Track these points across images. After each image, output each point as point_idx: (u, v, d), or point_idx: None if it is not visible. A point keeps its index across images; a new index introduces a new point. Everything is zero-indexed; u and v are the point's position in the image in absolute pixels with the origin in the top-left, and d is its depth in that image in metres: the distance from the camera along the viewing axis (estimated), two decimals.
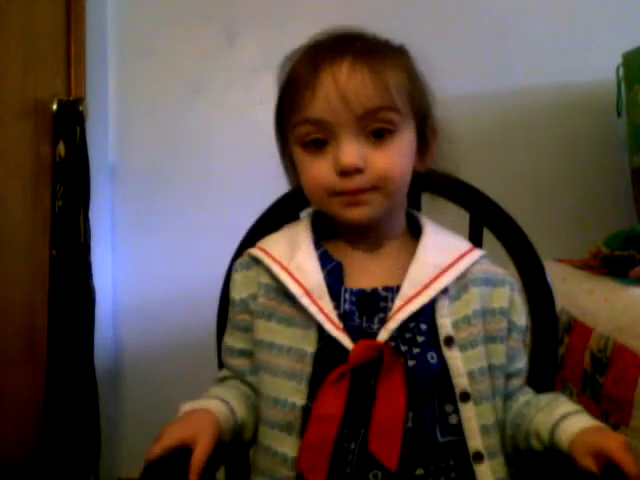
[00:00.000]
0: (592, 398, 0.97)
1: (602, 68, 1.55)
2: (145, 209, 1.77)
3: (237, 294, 0.77)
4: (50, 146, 1.47)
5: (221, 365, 0.83)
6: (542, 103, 1.69)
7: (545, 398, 0.74)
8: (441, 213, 0.85)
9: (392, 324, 0.68)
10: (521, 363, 0.76)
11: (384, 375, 0.66)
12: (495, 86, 1.70)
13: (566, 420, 0.66)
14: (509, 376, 0.74)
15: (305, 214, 0.82)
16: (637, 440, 0.85)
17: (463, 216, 0.90)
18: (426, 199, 0.88)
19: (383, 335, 0.68)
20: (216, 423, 0.67)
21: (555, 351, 0.87)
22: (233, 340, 0.78)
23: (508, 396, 0.75)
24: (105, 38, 1.75)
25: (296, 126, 0.71)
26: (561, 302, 1.18)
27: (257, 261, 0.76)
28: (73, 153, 1.48)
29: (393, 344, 0.68)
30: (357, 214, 0.71)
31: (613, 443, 0.60)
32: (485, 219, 0.88)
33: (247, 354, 0.76)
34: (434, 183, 0.83)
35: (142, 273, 1.77)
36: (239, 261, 0.79)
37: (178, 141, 1.76)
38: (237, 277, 0.78)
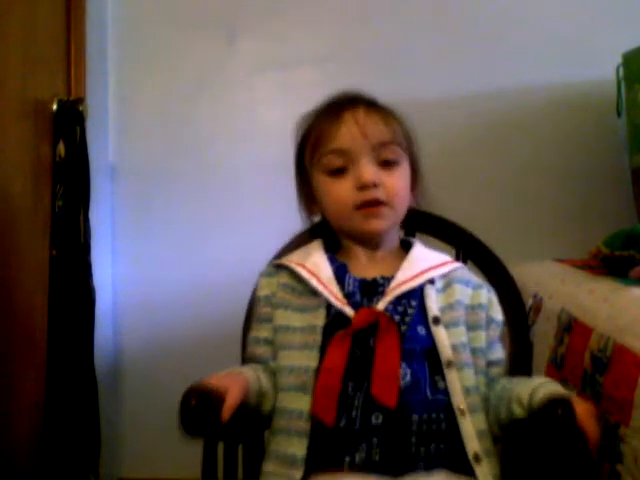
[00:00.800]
0: (592, 398, 0.97)
1: (602, 68, 1.55)
2: (145, 209, 1.78)
3: (262, 292, 0.93)
4: (50, 146, 1.48)
5: (243, 361, 0.95)
6: (542, 103, 1.70)
7: (525, 377, 0.89)
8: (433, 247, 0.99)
9: (387, 297, 0.85)
10: (500, 354, 0.90)
11: (381, 336, 0.81)
12: (495, 86, 1.70)
13: (543, 386, 0.78)
14: (490, 364, 0.88)
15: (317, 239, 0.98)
16: (638, 440, 0.85)
17: (450, 252, 1.02)
18: (419, 236, 1.04)
19: (380, 305, 0.84)
20: (245, 383, 0.80)
21: (529, 362, 1.01)
22: (258, 332, 0.92)
23: (491, 381, 0.88)
24: (105, 38, 1.75)
25: (323, 157, 0.90)
26: (561, 302, 1.18)
27: (278, 270, 0.94)
28: (73, 153, 1.48)
29: (388, 314, 0.83)
30: (375, 226, 0.89)
31: (580, 408, 0.70)
32: (468, 253, 1.04)
33: (270, 342, 0.90)
34: (426, 223, 1.06)
35: (142, 273, 1.77)
36: (265, 270, 0.96)
37: (178, 141, 1.77)
38: (262, 280, 0.95)
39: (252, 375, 0.84)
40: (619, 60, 1.50)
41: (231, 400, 0.74)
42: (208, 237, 1.76)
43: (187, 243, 1.76)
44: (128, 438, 1.78)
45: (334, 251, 0.95)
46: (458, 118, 1.70)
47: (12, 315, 1.38)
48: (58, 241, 1.46)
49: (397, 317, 0.84)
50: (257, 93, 1.75)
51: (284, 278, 0.92)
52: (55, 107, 1.48)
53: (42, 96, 1.47)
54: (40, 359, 1.43)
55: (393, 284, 0.86)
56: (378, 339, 0.81)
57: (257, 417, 0.87)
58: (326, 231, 0.97)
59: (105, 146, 1.75)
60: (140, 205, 1.78)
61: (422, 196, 0.98)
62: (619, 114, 1.52)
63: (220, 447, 0.83)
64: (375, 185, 0.87)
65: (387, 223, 0.90)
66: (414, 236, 1.04)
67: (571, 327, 1.11)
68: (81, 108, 1.50)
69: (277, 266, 0.95)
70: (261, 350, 0.90)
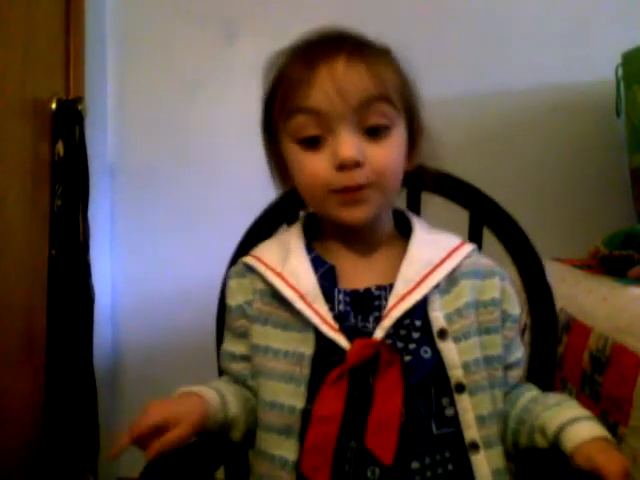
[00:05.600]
0: (591, 398, 0.97)
1: (602, 68, 1.55)
2: (144, 208, 1.77)
3: (233, 301, 0.78)
4: (49, 145, 1.47)
5: (221, 373, 0.83)
6: (542, 103, 1.69)
7: (554, 397, 0.74)
8: (441, 212, 0.87)
9: (387, 322, 0.69)
10: (519, 353, 0.77)
11: (381, 373, 0.67)
12: (495, 86, 1.70)
13: (575, 424, 0.66)
14: (508, 367, 0.75)
15: (297, 221, 0.82)
16: (636, 440, 0.85)
17: (463, 215, 0.90)
18: (426, 198, 0.89)
19: (379, 333, 0.69)
20: (204, 412, 0.68)
21: (554, 350, 0.88)
22: (233, 346, 0.79)
23: (509, 389, 0.75)
24: (104, 37, 1.75)
25: (290, 118, 0.71)
26: (560, 302, 1.17)
27: (251, 269, 0.77)
28: (72, 152, 1.48)
29: (389, 342, 0.68)
30: (356, 216, 0.71)
31: (613, 469, 0.59)
32: (485, 218, 0.88)
33: (248, 359, 0.77)
34: (434, 182, 0.84)
35: (141, 272, 1.77)
36: (233, 269, 0.80)
37: (177, 140, 1.76)
38: (232, 284, 0.79)
39: (216, 400, 0.71)
40: (619, 60, 1.50)
41: (167, 439, 0.63)
42: (208, 236, 1.75)
43: (186, 242, 1.76)
44: None
45: (317, 236, 0.79)
46: (457, 118, 1.70)
47: (11, 314, 1.38)
48: (57, 240, 1.45)
49: (400, 344, 0.69)
50: (257, 93, 1.74)
51: (259, 283, 0.75)
52: (54, 106, 1.48)
53: (41, 95, 1.47)
54: (39, 358, 1.43)
55: (392, 301, 0.70)
56: (378, 378, 0.67)
57: (230, 447, 0.76)
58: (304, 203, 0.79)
59: (104, 145, 1.75)
60: (139, 204, 1.78)
61: (425, 155, 0.79)
62: (618, 114, 1.52)
63: None
64: (358, 164, 0.68)
65: (372, 210, 0.71)
66: (419, 197, 0.88)
67: (570, 327, 1.10)
68: (80, 107, 1.50)
69: (248, 265, 0.77)
70: (239, 367, 0.77)
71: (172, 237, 1.77)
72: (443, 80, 1.69)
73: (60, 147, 1.46)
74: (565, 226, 1.68)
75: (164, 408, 0.66)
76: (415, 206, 0.89)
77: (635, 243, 1.16)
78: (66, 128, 1.48)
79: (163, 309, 1.75)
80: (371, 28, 1.78)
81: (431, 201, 0.89)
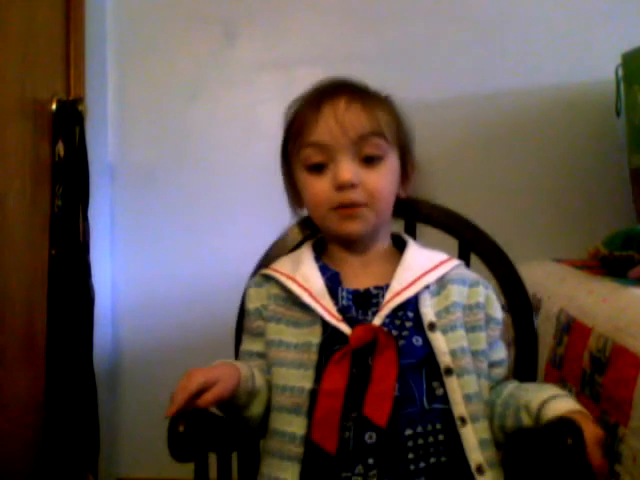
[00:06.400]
0: (591, 398, 0.97)
1: (601, 68, 1.56)
2: (144, 209, 1.78)
3: (252, 304, 0.89)
4: (49, 146, 1.47)
5: None
6: (542, 103, 1.70)
7: (536, 384, 0.86)
8: (434, 240, 0.97)
9: (384, 311, 0.81)
10: (502, 354, 0.87)
11: (379, 354, 0.77)
12: (495, 86, 1.70)
13: (554, 400, 0.75)
14: (493, 365, 0.85)
15: (307, 242, 0.94)
16: (636, 440, 0.85)
17: (454, 243, 1.00)
18: (420, 228, 1.01)
19: (377, 320, 0.80)
20: (238, 377, 0.78)
21: (534, 361, 0.97)
22: (251, 345, 0.89)
23: (495, 384, 0.85)
24: (104, 38, 1.75)
25: (301, 149, 0.85)
26: (560, 302, 1.18)
27: (268, 280, 0.89)
28: (72, 153, 1.48)
29: (385, 329, 0.79)
30: (351, 228, 0.84)
31: (591, 435, 0.67)
32: (471, 245, 0.99)
33: (263, 356, 0.87)
34: (427, 214, 1.00)
35: (141, 273, 1.77)
36: (253, 280, 0.92)
37: (177, 141, 1.77)
38: (251, 292, 0.91)
39: (246, 371, 0.81)
40: (618, 60, 1.50)
41: (216, 391, 0.73)
42: (207, 236, 1.76)
43: (186, 242, 1.76)
44: (127, 437, 1.78)
45: (325, 251, 0.91)
46: (457, 119, 1.70)
47: (11, 314, 1.38)
48: (57, 240, 1.45)
49: (395, 332, 0.80)
50: (257, 93, 1.75)
51: (274, 289, 0.88)
52: (54, 107, 1.48)
53: (41, 96, 1.47)
54: (39, 358, 1.43)
55: (388, 296, 0.82)
56: (376, 357, 0.77)
57: (243, 424, 0.84)
58: (316, 227, 0.93)
59: (104, 146, 1.75)
60: (139, 204, 1.78)
61: (418, 186, 0.92)
62: (618, 114, 1.52)
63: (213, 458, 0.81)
64: (353, 185, 0.82)
65: (365, 225, 0.85)
66: (414, 227, 1.00)
67: (570, 327, 1.11)
68: (80, 108, 1.50)
69: (266, 275, 0.90)
70: (255, 363, 0.87)
71: (172, 237, 1.77)
72: (443, 80, 1.70)
73: (60, 147, 1.46)
74: (565, 226, 1.68)
75: (203, 372, 0.75)
76: (411, 235, 1.00)
77: (635, 243, 1.16)
78: (66, 129, 1.48)
79: (163, 309, 1.76)
80: (371, 28, 1.78)
81: (425, 231, 1.00)
